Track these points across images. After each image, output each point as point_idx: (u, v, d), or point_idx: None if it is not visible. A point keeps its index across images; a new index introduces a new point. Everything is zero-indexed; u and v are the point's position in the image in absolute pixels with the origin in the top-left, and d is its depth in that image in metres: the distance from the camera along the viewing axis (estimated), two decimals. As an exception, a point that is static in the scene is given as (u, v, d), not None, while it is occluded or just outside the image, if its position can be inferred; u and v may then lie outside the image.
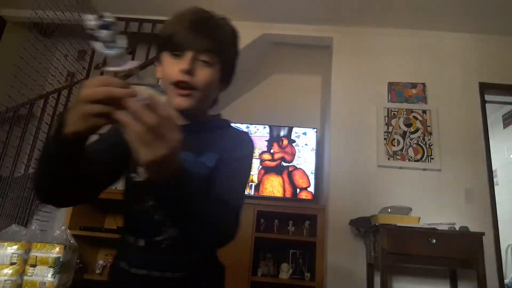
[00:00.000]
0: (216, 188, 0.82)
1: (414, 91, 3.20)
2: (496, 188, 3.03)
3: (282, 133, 3.42)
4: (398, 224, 2.42)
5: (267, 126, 3.42)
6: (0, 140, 2.91)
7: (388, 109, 3.15)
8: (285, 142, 3.39)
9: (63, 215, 2.97)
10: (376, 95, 3.22)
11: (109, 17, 0.59)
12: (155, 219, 0.84)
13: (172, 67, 0.84)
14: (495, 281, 2.67)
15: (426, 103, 3.16)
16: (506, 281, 3.15)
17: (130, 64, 0.61)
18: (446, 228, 2.43)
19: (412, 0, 3.04)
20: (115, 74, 0.60)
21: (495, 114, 4.30)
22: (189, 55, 0.83)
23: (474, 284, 2.53)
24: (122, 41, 0.60)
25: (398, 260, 2.38)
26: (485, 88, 3.20)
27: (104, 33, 0.59)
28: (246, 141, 0.95)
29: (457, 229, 2.48)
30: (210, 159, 0.88)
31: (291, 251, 3.12)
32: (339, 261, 2.80)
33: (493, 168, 3.08)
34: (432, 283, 2.74)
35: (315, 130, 3.45)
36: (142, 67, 3.49)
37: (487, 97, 3.21)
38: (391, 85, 3.24)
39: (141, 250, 0.84)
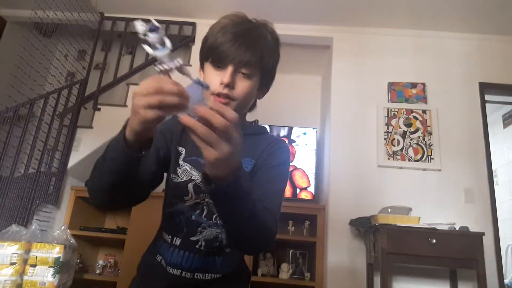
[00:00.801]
0: (256, 194, 0.84)
1: (414, 91, 3.20)
2: (496, 188, 3.03)
3: (282, 133, 3.42)
4: (398, 224, 2.42)
5: (267, 126, 3.42)
6: (0, 140, 2.91)
7: (388, 109, 3.15)
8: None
9: (63, 215, 2.98)
10: (376, 95, 3.22)
11: (155, 23, 0.66)
12: (192, 219, 0.89)
13: (213, 78, 0.87)
14: (495, 281, 2.67)
15: (426, 103, 3.16)
16: (506, 281, 3.15)
17: (177, 62, 0.67)
18: (446, 228, 2.44)
19: (412, 0, 3.04)
20: (166, 71, 0.66)
21: (495, 114, 4.29)
22: (230, 69, 0.85)
23: (474, 284, 2.53)
24: (168, 43, 0.67)
25: (398, 260, 2.38)
26: (485, 88, 3.20)
27: (152, 37, 0.65)
28: (282, 147, 0.98)
29: (457, 229, 2.48)
30: (247, 164, 0.92)
31: (291, 251, 3.12)
32: (339, 261, 2.80)
33: (493, 168, 3.08)
34: (432, 283, 2.74)
35: (315, 130, 3.45)
36: (142, 67, 3.49)
37: (487, 97, 3.21)
38: (391, 85, 3.24)
39: (177, 249, 0.88)
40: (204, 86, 0.68)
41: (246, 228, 0.75)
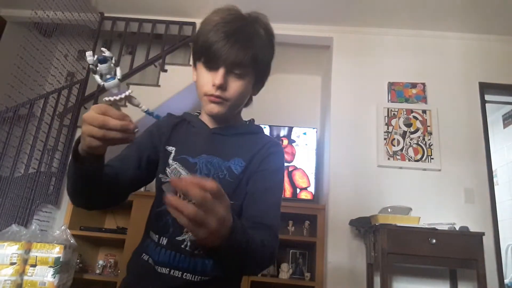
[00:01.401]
0: (255, 209, 0.85)
1: (414, 91, 3.20)
2: (496, 188, 3.03)
3: (282, 133, 3.42)
4: (398, 224, 2.42)
5: (267, 126, 3.42)
6: (0, 140, 2.91)
7: (388, 109, 3.15)
8: (285, 142, 3.39)
9: (63, 215, 2.97)
10: (376, 95, 3.22)
11: (105, 52, 0.68)
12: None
13: (205, 79, 0.86)
14: (495, 281, 2.67)
15: (426, 103, 3.16)
16: (506, 281, 3.15)
17: (125, 92, 0.69)
18: (446, 228, 2.44)
19: (412, 0, 3.04)
20: (113, 102, 0.68)
21: (495, 114, 4.30)
22: (221, 71, 0.84)
23: (474, 284, 2.53)
24: (118, 72, 0.69)
25: (398, 260, 2.38)
26: (485, 88, 3.20)
27: (101, 67, 0.67)
28: (278, 152, 0.96)
29: (457, 229, 2.48)
30: (237, 165, 0.90)
31: (291, 251, 3.12)
32: (339, 261, 2.80)
33: (493, 168, 3.08)
34: (432, 283, 2.74)
35: (315, 130, 3.45)
36: (142, 67, 3.49)
37: (487, 97, 3.21)
38: (391, 85, 3.24)
39: (164, 248, 0.86)
40: (154, 116, 0.71)
41: (247, 267, 0.77)
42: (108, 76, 0.68)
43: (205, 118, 0.98)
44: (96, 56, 0.67)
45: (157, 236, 0.88)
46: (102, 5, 3.56)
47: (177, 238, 0.86)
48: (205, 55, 0.86)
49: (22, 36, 3.16)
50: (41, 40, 3.26)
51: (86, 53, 0.67)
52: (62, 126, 3.20)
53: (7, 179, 2.86)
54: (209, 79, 0.85)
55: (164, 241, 0.87)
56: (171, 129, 0.97)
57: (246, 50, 0.84)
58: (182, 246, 0.85)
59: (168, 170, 0.90)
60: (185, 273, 0.84)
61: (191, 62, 3.42)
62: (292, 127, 3.44)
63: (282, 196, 0.94)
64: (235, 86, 0.86)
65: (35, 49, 3.11)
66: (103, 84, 0.68)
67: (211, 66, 0.85)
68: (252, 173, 0.90)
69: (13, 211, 2.77)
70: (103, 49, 0.69)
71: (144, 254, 0.89)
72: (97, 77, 0.68)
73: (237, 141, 0.94)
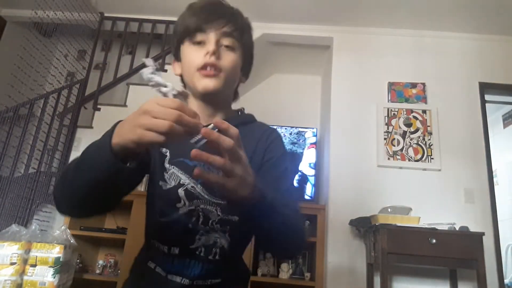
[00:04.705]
0: None
1: (414, 91, 3.20)
2: (496, 188, 3.03)
3: (282, 133, 3.41)
4: (398, 224, 2.42)
5: (267, 126, 3.41)
6: (0, 140, 2.91)
7: (388, 109, 3.15)
8: (285, 142, 3.39)
9: (63, 215, 2.97)
10: (376, 95, 3.22)
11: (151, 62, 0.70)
12: (189, 227, 0.82)
13: (195, 54, 0.82)
14: (495, 281, 2.67)
15: (426, 103, 3.16)
16: (506, 281, 3.15)
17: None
18: (446, 228, 2.43)
19: (412, 0, 3.04)
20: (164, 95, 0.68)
21: (495, 114, 4.30)
22: (212, 37, 0.81)
23: (474, 284, 2.53)
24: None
25: (398, 260, 2.37)
26: (485, 88, 3.20)
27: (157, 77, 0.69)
28: (277, 138, 0.93)
29: (457, 229, 2.48)
30: None
31: (291, 251, 3.11)
32: (339, 261, 2.80)
33: (493, 168, 3.08)
34: (432, 283, 2.74)
35: (315, 130, 3.45)
36: (142, 67, 3.49)
37: (487, 97, 3.21)
38: (391, 85, 3.24)
39: (177, 258, 0.82)
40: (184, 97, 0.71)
41: (282, 231, 0.74)
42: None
43: None
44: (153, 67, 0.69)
45: (166, 246, 0.83)
46: (102, 5, 3.56)
47: (190, 246, 0.82)
48: (192, 32, 0.83)
49: (22, 36, 3.16)
50: (41, 40, 3.27)
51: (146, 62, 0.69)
52: (62, 126, 3.20)
53: (7, 179, 2.87)
54: (199, 53, 0.82)
55: (176, 250, 0.82)
56: None
57: (232, 22, 0.84)
58: (197, 253, 0.82)
59: (166, 175, 0.84)
60: (195, 280, 0.81)
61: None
62: (292, 127, 3.43)
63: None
64: (227, 56, 0.83)
65: (35, 49, 3.11)
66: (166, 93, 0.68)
67: (200, 38, 0.82)
68: (257, 166, 0.85)
69: (13, 211, 2.77)
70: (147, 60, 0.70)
71: (150, 262, 0.85)
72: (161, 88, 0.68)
73: None
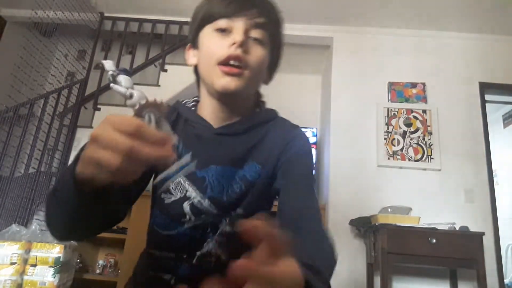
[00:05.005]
0: (293, 202, 0.71)
1: (414, 91, 3.20)
2: (496, 188, 3.03)
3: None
4: (398, 224, 2.42)
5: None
6: (0, 140, 2.91)
7: (388, 109, 3.15)
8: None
9: (63, 215, 2.97)
10: (376, 95, 3.22)
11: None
12: (196, 237, 0.75)
13: (218, 43, 0.69)
14: (495, 281, 2.67)
15: (426, 103, 3.16)
16: (506, 281, 3.15)
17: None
18: (446, 228, 2.43)
19: (412, 0, 3.04)
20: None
21: (495, 114, 4.30)
22: (241, 25, 0.68)
23: (474, 284, 2.53)
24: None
25: (398, 260, 2.37)
26: (485, 88, 3.20)
27: (123, 79, 0.56)
28: (299, 135, 0.81)
29: (457, 229, 2.48)
30: (252, 171, 0.76)
31: (291, 251, 3.12)
32: (339, 261, 2.75)
33: (493, 168, 3.08)
34: (432, 283, 2.74)
35: (315, 130, 3.45)
36: (142, 67, 3.49)
37: (487, 97, 3.21)
38: (391, 85, 3.24)
39: (186, 263, 0.76)
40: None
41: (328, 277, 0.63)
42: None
43: (205, 114, 0.79)
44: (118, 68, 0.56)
45: (173, 254, 0.77)
46: (102, 5, 3.56)
47: (197, 252, 0.76)
48: (217, 16, 0.70)
49: (22, 36, 3.16)
50: (41, 40, 3.27)
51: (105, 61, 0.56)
52: (62, 126, 3.20)
53: (7, 179, 2.87)
54: (223, 43, 0.68)
55: (183, 257, 0.77)
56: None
57: (267, 13, 0.72)
58: (208, 259, 0.76)
59: (172, 185, 0.75)
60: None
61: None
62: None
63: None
64: (256, 51, 0.70)
65: (35, 49, 3.11)
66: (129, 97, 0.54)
67: (226, 25, 0.69)
68: (276, 169, 0.76)
69: (13, 211, 2.77)
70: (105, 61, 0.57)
71: (156, 268, 0.79)
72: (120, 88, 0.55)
73: (249, 138, 0.77)
